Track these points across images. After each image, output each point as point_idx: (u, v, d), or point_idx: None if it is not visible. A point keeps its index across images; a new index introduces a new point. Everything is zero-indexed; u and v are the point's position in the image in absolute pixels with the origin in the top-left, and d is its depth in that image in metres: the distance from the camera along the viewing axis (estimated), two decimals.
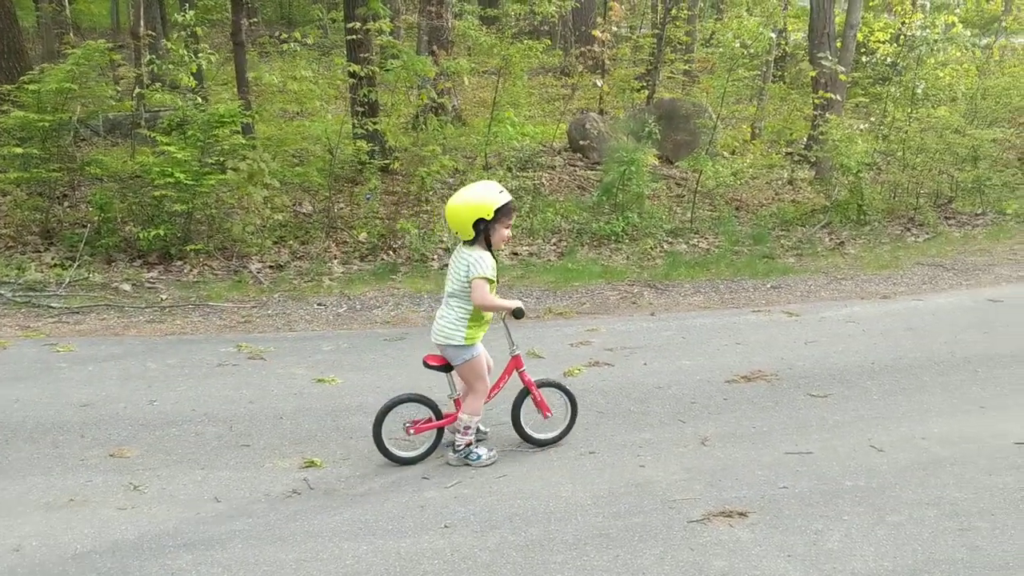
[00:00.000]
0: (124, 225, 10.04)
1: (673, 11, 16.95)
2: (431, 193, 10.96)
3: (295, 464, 4.93)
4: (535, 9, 13.01)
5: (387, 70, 10.91)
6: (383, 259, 10.01)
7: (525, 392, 5.07)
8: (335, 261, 9.88)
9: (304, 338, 7.51)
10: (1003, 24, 17.76)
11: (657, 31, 17.25)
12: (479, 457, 4.88)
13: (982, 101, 13.90)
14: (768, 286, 9.28)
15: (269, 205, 10.00)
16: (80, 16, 21.45)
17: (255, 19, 18.97)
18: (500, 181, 10.38)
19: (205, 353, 6.94)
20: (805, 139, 14.38)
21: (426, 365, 4.95)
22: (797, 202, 12.93)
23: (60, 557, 3.96)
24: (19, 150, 9.60)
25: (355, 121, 11.16)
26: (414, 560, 3.91)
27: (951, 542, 4.00)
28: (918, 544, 3.99)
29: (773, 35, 13.79)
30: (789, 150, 14.60)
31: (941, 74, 13.09)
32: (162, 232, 9.45)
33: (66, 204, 10.67)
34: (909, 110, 12.83)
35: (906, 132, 12.52)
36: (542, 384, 5.14)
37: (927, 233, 11.64)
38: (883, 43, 14.00)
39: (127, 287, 8.96)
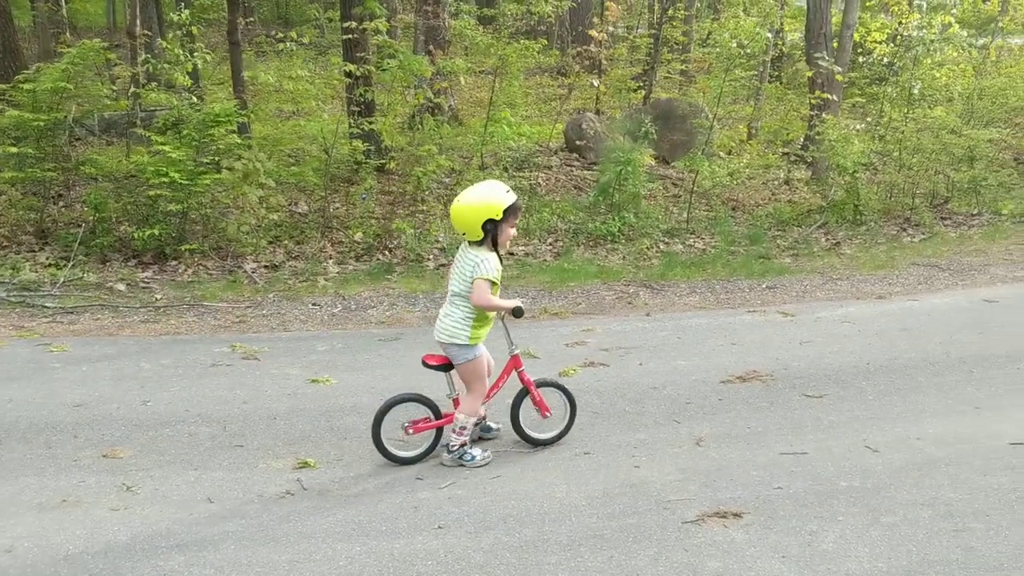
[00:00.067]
0: (119, 225, 10.02)
1: (670, 11, 16.94)
2: (427, 193, 10.94)
3: (289, 465, 4.91)
4: (532, 9, 13.00)
5: (383, 70, 10.89)
6: (378, 259, 9.99)
7: (524, 392, 5.07)
8: (330, 261, 9.86)
9: (299, 338, 7.50)
10: (1000, 24, 17.77)
11: (654, 31, 17.23)
12: (473, 458, 4.87)
13: (978, 101, 13.90)
14: (764, 286, 9.27)
15: (264, 205, 9.99)
16: (76, 15, 21.42)
17: (251, 18, 18.98)
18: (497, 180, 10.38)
19: (199, 353, 6.93)
20: (801, 139, 14.38)
21: (425, 365, 4.94)
22: (793, 202, 12.93)
23: (52, 558, 3.95)
24: (14, 149, 9.57)
25: (351, 121, 11.15)
26: (407, 561, 3.90)
27: (945, 543, 4.00)
28: (912, 545, 3.98)
29: (770, 35, 13.80)
30: (785, 150, 14.59)
31: (938, 74, 13.09)
32: (157, 232, 9.43)
33: (61, 204, 10.65)
34: (905, 110, 12.84)
35: (902, 132, 12.53)
36: (541, 384, 5.14)
37: (923, 233, 11.64)
38: (880, 43, 14.01)
39: (122, 287, 8.94)
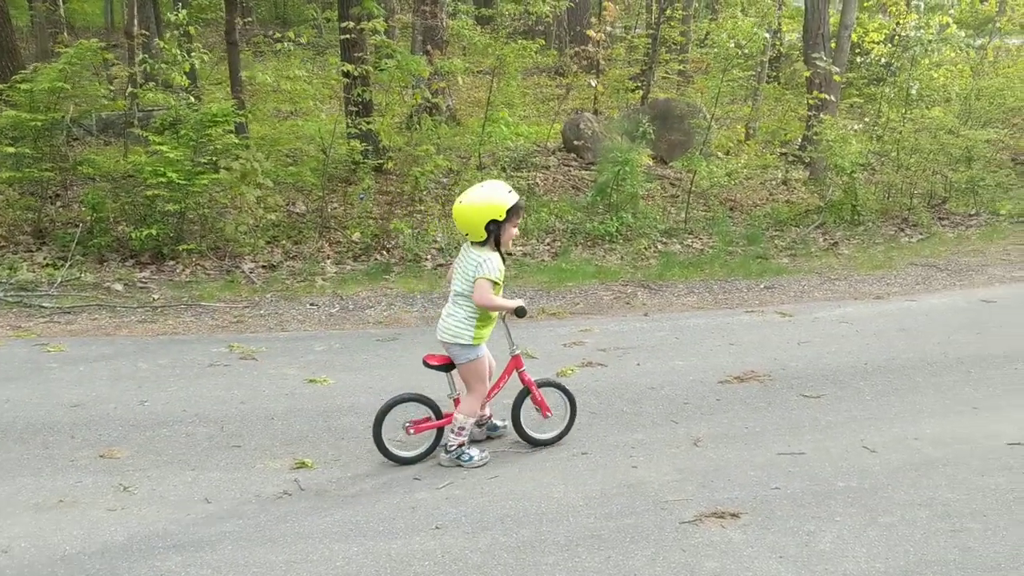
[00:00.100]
0: (116, 225, 10.00)
1: (668, 11, 16.94)
2: (425, 193, 10.94)
3: (286, 465, 4.91)
4: (529, 9, 13.00)
5: (381, 70, 10.88)
6: (376, 259, 9.99)
7: (525, 392, 5.07)
8: (328, 261, 9.86)
9: (296, 338, 7.49)
10: (997, 25, 17.78)
11: (652, 31, 17.25)
12: (471, 458, 4.87)
13: (976, 102, 13.91)
14: (762, 286, 9.27)
15: (262, 205, 9.98)
16: (74, 15, 21.42)
17: (249, 18, 18.97)
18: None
19: (196, 353, 6.92)
20: (799, 139, 14.39)
21: (426, 364, 4.94)
22: (791, 202, 12.93)
23: (49, 559, 3.94)
24: (11, 149, 9.55)
25: (349, 121, 11.15)
26: (405, 562, 3.90)
27: (943, 543, 3.99)
28: (910, 545, 3.98)
29: (768, 35, 13.81)
30: (783, 150, 14.61)
31: (935, 75, 13.10)
32: (154, 232, 9.42)
33: (58, 204, 10.64)
34: (903, 111, 12.85)
35: (900, 133, 12.54)
36: (542, 384, 5.14)
37: (921, 233, 11.65)
38: (877, 44, 14.03)
39: (119, 287, 8.93)
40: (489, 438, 5.21)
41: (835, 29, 14.08)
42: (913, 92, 12.77)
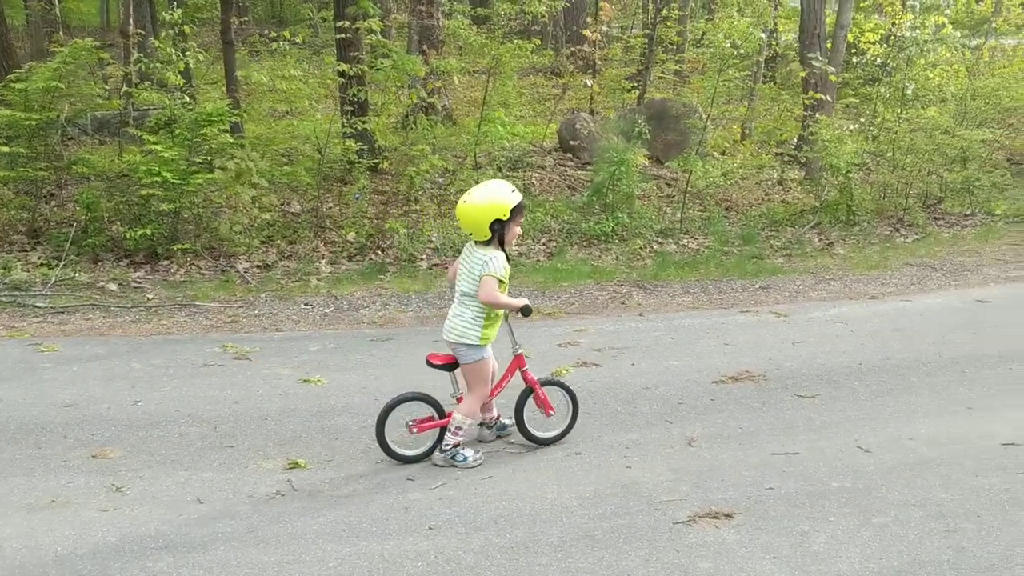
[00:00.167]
0: (111, 224, 9.98)
1: (664, 11, 16.95)
2: (420, 193, 10.93)
3: (279, 465, 4.89)
4: (525, 9, 12.99)
5: (377, 69, 10.87)
6: (371, 259, 9.98)
7: (528, 391, 5.08)
8: (323, 261, 9.85)
9: (290, 338, 7.48)
10: (993, 25, 17.78)
11: (648, 31, 17.25)
12: (465, 459, 4.86)
13: (971, 102, 13.91)
14: (757, 286, 9.27)
15: (257, 204, 9.96)
16: (69, 14, 21.36)
17: (245, 18, 18.90)
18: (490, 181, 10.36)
19: (190, 353, 6.91)
20: (795, 139, 14.39)
21: (429, 364, 4.94)
22: (787, 202, 12.94)
23: (41, 559, 3.92)
24: (6, 149, 9.53)
25: (344, 120, 11.13)
26: (398, 562, 3.88)
27: (937, 543, 3.99)
28: (904, 545, 3.97)
29: (763, 36, 13.81)
30: (779, 150, 14.62)
31: (931, 75, 13.10)
32: (149, 231, 9.41)
33: (53, 203, 10.61)
34: (899, 111, 12.85)
35: (896, 133, 12.55)
36: (544, 383, 5.15)
37: (916, 234, 11.65)
38: (873, 44, 14.03)
39: (113, 287, 8.91)
40: (499, 437, 5.22)
41: (831, 29, 14.09)
42: (909, 92, 12.77)
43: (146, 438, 5.26)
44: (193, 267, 9.52)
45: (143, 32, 13.97)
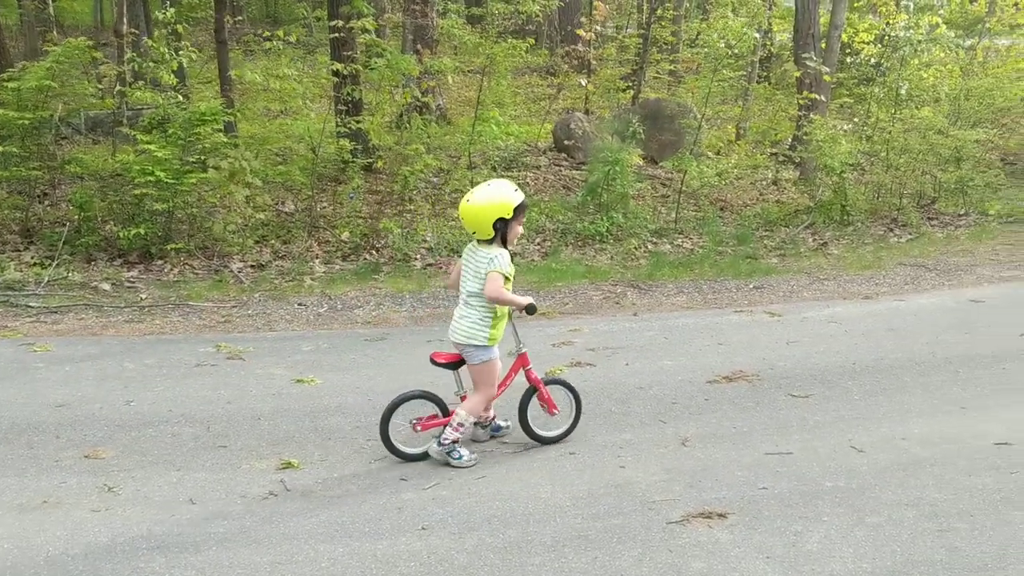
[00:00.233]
0: (104, 224, 9.96)
1: (659, 11, 16.95)
2: (414, 192, 10.91)
3: (272, 465, 4.88)
4: (520, 8, 12.99)
5: (371, 69, 10.86)
6: (365, 259, 9.96)
7: (532, 390, 5.09)
8: (317, 260, 9.83)
9: (284, 338, 7.46)
10: (987, 25, 17.82)
11: (643, 31, 17.24)
12: (461, 457, 4.85)
13: (965, 102, 13.94)
14: (751, 286, 9.28)
15: (251, 204, 9.95)
16: (63, 14, 21.29)
17: (240, 17, 18.87)
18: (484, 181, 10.36)
19: (183, 353, 6.89)
20: (789, 140, 14.39)
21: (433, 362, 4.95)
22: (781, 202, 12.95)
23: (32, 560, 3.90)
24: None
25: (338, 120, 11.11)
26: (390, 562, 3.87)
27: (930, 543, 3.99)
28: (897, 545, 3.98)
29: (758, 36, 13.82)
30: (774, 150, 14.61)
31: (925, 75, 13.13)
32: (143, 231, 9.38)
33: (46, 203, 10.58)
34: (893, 111, 12.87)
35: (890, 133, 12.57)
36: (547, 382, 5.16)
37: (910, 233, 11.67)
38: (867, 44, 14.04)
39: (106, 286, 8.89)
40: (493, 437, 5.22)
41: (825, 29, 14.09)
42: (903, 92, 12.80)
43: (139, 438, 5.25)
44: (187, 267, 9.50)
45: (137, 31, 13.96)
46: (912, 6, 13.43)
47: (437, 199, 11.24)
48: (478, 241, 4.85)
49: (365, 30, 10.68)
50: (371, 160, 11.40)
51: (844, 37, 14.20)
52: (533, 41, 13.70)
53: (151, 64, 11.04)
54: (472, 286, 4.82)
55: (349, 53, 11.09)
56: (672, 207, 12.08)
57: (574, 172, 13.35)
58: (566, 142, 13.98)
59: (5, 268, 9.05)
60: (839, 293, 8.94)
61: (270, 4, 24.70)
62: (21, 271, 9.06)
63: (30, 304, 8.25)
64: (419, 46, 13.02)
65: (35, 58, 12.92)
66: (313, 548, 3.99)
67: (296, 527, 4.19)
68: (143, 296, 8.66)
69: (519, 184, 11.79)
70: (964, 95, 13.96)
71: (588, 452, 5.03)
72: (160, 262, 9.54)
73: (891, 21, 13.43)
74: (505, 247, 4.85)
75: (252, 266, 9.61)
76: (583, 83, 15.72)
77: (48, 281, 8.85)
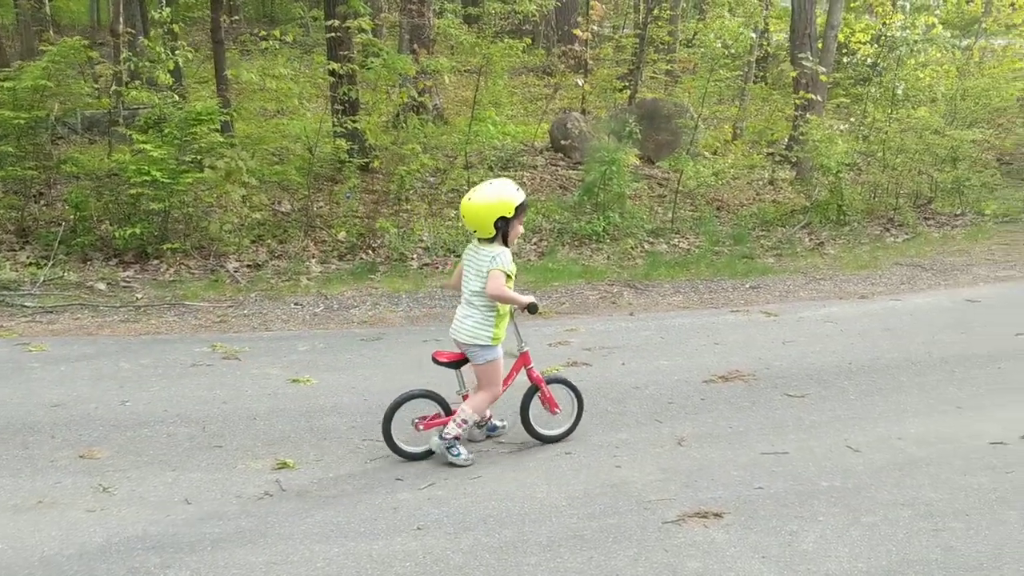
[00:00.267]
0: (100, 224, 9.94)
1: (655, 11, 16.95)
2: (411, 192, 10.91)
3: (267, 465, 4.87)
4: (516, 8, 12.98)
5: (367, 68, 10.85)
6: (362, 258, 9.95)
7: (534, 389, 5.09)
8: (313, 260, 9.82)
9: (280, 338, 7.46)
10: (983, 25, 17.83)
11: (639, 31, 17.25)
12: (459, 454, 4.85)
13: (962, 102, 13.97)
14: (747, 286, 9.28)
15: (247, 204, 9.94)
16: (59, 13, 21.28)
17: (236, 17, 18.88)
18: (481, 180, 10.37)
19: (179, 353, 6.88)
20: (786, 139, 14.41)
21: (436, 361, 4.95)
22: (778, 202, 12.95)
23: (27, 560, 3.89)
24: None
25: (335, 119, 11.10)
26: (386, 563, 3.87)
27: (925, 543, 3.99)
28: (892, 545, 3.98)
29: (754, 36, 13.83)
30: (770, 150, 14.64)
31: (921, 75, 13.15)
32: (138, 231, 9.37)
33: (42, 202, 10.57)
34: (889, 111, 12.88)
35: (886, 133, 12.58)
36: (549, 381, 5.16)
37: (906, 233, 11.68)
38: (864, 44, 14.08)
39: (102, 286, 8.87)
40: (489, 437, 5.22)
41: (822, 29, 14.11)
42: (899, 92, 12.82)
43: (134, 438, 5.24)
44: (183, 266, 9.49)
45: (133, 31, 13.93)
46: (908, 6, 13.45)
47: (433, 199, 11.24)
48: (479, 240, 4.85)
49: (362, 30, 10.67)
50: (367, 160, 11.38)
51: (840, 37, 14.22)
52: (530, 41, 13.72)
53: (147, 64, 11.03)
54: (475, 285, 4.83)
55: (346, 53, 11.08)
56: (669, 207, 12.09)
57: (571, 172, 13.35)
58: (563, 142, 13.98)
59: (1, 268, 9.03)
60: (835, 293, 8.95)
61: (267, 4, 24.68)
62: (17, 271, 9.05)
63: (26, 304, 8.24)
64: (416, 46, 13.00)
65: (31, 57, 12.90)
66: (309, 548, 3.99)
67: (291, 527, 4.18)
68: (139, 296, 8.65)
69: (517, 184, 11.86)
70: (960, 95, 13.99)
71: (584, 452, 5.03)
72: (156, 262, 9.53)
73: (887, 21, 13.44)
74: (506, 246, 4.85)
75: (248, 266, 9.60)
76: (580, 83, 15.73)
77: (44, 281, 8.83)
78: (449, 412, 4.94)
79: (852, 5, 17.41)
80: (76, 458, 4.96)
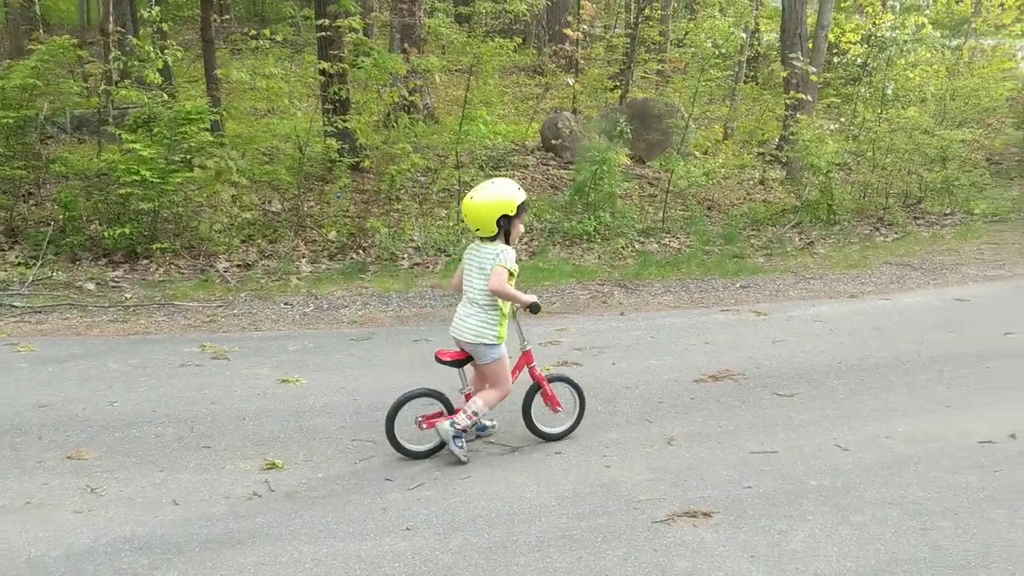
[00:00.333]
0: (89, 223, 9.90)
1: (646, 11, 16.96)
2: (402, 192, 10.90)
3: (256, 466, 4.85)
4: (507, 8, 12.98)
5: (358, 68, 10.83)
6: (352, 258, 9.94)
7: (536, 387, 5.10)
8: (303, 260, 9.80)
9: (270, 338, 7.43)
10: (973, 25, 17.90)
11: (630, 31, 17.26)
12: (462, 446, 4.86)
13: (951, 102, 14.01)
14: (737, 285, 9.29)
15: (237, 203, 9.91)
16: (49, 12, 21.19)
17: (227, 16, 18.83)
18: (472, 180, 10.38)
19: (168, 353, 6.85)
20: (776, 139, 14.44)
21: (439, 360, 4.94)
22: (768, 202, 12.97)
23: (14, 562, 3.87)
24: None
25: (325, 119, 11.08)
26: (374, 563, 3.86)
27: (914, 541, 4.00)
28: (881, 544, 3.98)
29: (745, 35, 13.85)
30: (761, 150, 14.65)
31: (911, 75, 13.20)
32: (128, 231, 9.34)
33: (31, 202, 10.52)
34: (879, 111, 12.92)
35: (876, 132, 12.61)
36: (551, 379, 5.17)
37: (896, 233, 11.71)
38: (854, 44, 14.11)
39: (91, 286, 8.84)
40: (479, 437, 5.21)
41: (812, 29, 14.13)
42: (889, 92, 12.86)
43: (122, 439, 5.22)
44: (172, 266, 9.45)
45: (123, 30, 13.88)
46: (898, 6, 13.50)
47: (424, 198, 11.23)
48: (480, 239, 4.87)
49: (352, 29, 10.65)
50: (358, 159, 11.36)
51: (831, 37, 14.25)
52: (521, 40, 13.69)
53: (137, 63, 10.98)
54: (479, 282, 4.84)
55: (336, 52, 11.06)
56: (659, 207, 12.09)
57: (562, 171, 13.35)
58: (554, 141, 13.98)
59: None
60: (825, 292, 8.97)
61: (257, 3, 24.62)
62: (5, 271, 9.01)
63: (14, 304, 8.20)
64: (406, 45, 12.98)
65: (20, 56, 12.85)
66: (297, 549, 3.98)
67: (280, 528, 4.17)
68: (128, 296, 8.62)
69: None
70: (950, 95, 14.03)
71: (574, 451, 5.03)
72: (145, 262, 9.49)
73: (877, 21, 13.49)
74: (507, 244, 4.87)
75: (238, 265, 9.57)
76: (571, 82, 15.72)
77: (32, 281, 8.79)
78: (451, 410, 4.93)
79: (842, 5, 17.45)
80: (64, 459, 4.94)
